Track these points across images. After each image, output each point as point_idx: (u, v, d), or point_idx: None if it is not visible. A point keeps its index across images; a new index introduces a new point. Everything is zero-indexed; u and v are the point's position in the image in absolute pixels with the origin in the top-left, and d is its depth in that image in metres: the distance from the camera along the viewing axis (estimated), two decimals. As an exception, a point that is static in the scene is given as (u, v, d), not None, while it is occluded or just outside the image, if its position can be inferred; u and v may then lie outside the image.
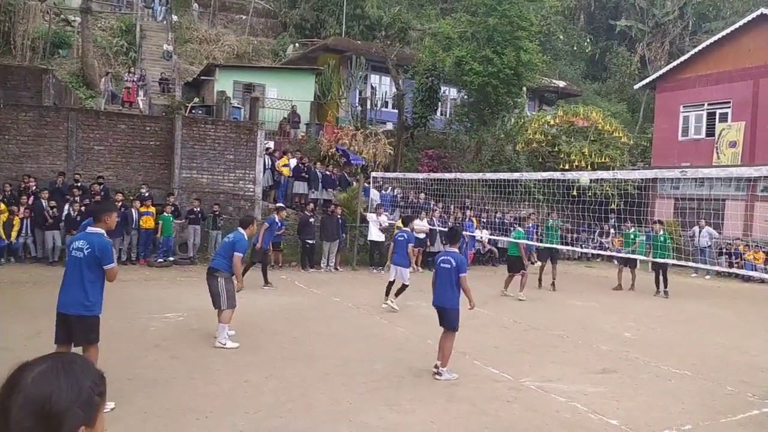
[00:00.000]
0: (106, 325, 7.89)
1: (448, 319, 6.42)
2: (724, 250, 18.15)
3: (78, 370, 1.30)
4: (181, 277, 12.60)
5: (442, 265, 6.52)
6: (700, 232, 17.96)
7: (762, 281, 16.21)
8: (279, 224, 12.74)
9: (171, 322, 8.37)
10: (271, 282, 11.83)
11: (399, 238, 10.55)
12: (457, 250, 6.71)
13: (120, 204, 13.54)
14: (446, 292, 6.43)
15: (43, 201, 13.13)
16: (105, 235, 5.10)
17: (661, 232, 13.15)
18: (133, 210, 13.74)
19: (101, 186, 14.22)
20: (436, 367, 6.44)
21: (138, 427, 4.69)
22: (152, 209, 14.05)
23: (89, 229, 5.16)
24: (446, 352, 6.36)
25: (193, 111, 19.08)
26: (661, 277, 13.45)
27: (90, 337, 5.07)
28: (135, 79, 20.85)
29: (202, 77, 22.47)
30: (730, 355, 8.21)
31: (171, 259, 14.10)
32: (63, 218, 13.04)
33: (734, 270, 13.51)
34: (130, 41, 24.87)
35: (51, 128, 14.75)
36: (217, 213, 14.69)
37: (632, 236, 14.54)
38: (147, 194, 14.41)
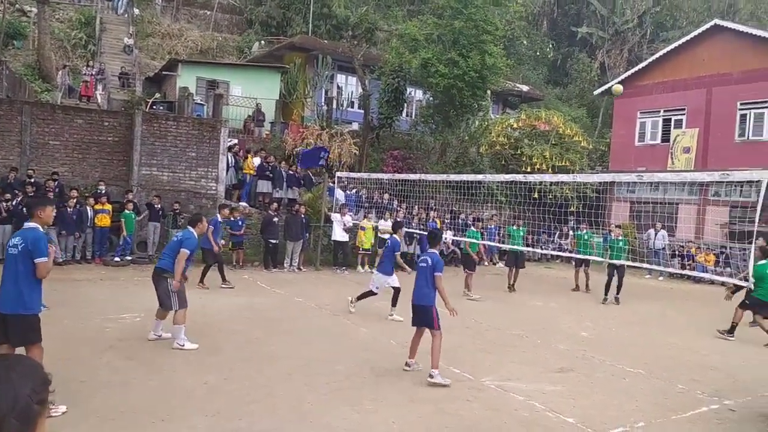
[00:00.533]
0: (59, 326, 7.67)
1: (425, 318, 6.45)
2: (676, 252, 18.78)
3: (15, 377, 1.22)
4: (138, 276, 12.29)
5: (420, 264, 6.70)
6: (656, 234, 18.54)
7: (712, 282, 16.81)
8: (222, 223, 12.61)
9: (127, 323, 8.17)
10: (229, 281, 11.67)
11: (387, 245, 10.29)
12: (437, 252, 6.77)
13: (75, 201, 13.16)
14: (422, 289, 6.52)
15: (-7, 196, 12.63)
16: (39, 228, 4.93)
17: (621, 237, 13.32)
18: (87, 207, 13.35)
19: (56, 182, 13.77)
20: (407, 364, 6.58)
21: (92, 431, 4.56)
22: (108, 207, 13.68)
23: (25, 224, 5.01)
24: (434, 353, 6.23)
25: (154, 107, 18.66)
26: (615, 282, 13.21)
27: (29, 336, 4.83)
28: (94, 73, 20.29)
29: (163, 72, 22.01)
30: (681, 355, 8.49)
31: (129, 258, 13.75)
32: (14, 214, 12.57)
33: (686, 272, 14.00)
34: (89, 34, 24.19)
35: (4, 122, 14.20)
36: (177, 211, 14.40)
37: (585, 237, 14.79)
38: (103, 191, 14.02)
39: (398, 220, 13.26)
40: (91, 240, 13.58)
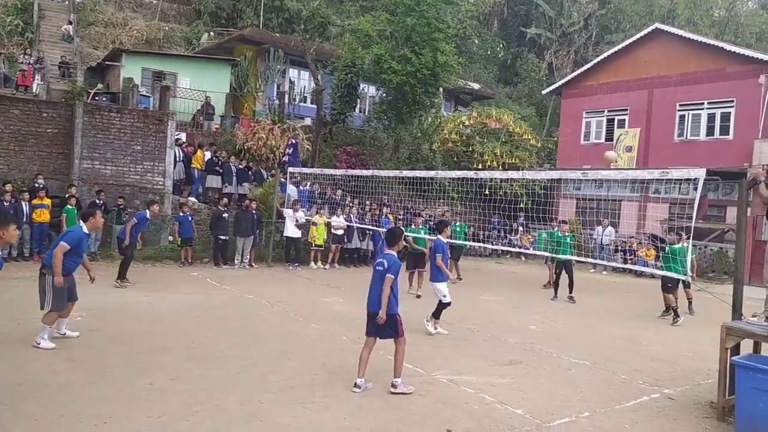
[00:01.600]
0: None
1: (388, 327, 5.98)
2: (619, 248, 19.51)
3: None
4: (79, 274, 11.79)
5: (376, 267, 6.13)
6: (603, 230, 19.26)
7: (653, 276, 17.53)
8: (148, 220, 11.64)
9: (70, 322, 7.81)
10: (128, 279, 10.95)
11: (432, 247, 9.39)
12: (394, 253, 6.22)
13: (9, 195, 12.51)
14: (378, 296, 6.00)
15: None
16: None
17: (568, 233, 13.36)
18: (23, 202, 12.71)
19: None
20: (356, 385, 5.85)
21: (27, 436, 4.35)
22: (48, 201, 13.07)
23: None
24: (398, 361, 5.93)
25: (96, 98, 17.94)
26: (565, 278, 13.66)
27: None
28: (31, 62, 19.32)
29: (107, 62, 21.18)
30: (624, 346, 8.81)
31: (70, 255, 13.17)
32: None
33: (629, 266, 14.53)
34: (26, 20, 23.01)
35: (-70, 111, 13.36)
36: (121, 207, 13.91)
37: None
38: (42, 185, 13.38)
39: (443, 218, 12.53)
40: (29, 236, 12.95)
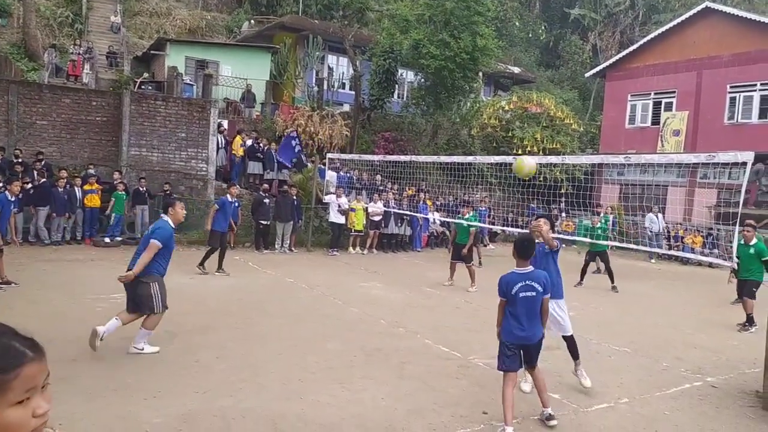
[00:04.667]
0: (49, 305, 7.68)
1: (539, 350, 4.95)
2: (664, 235, 19.01)
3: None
4: (128, 257, 12.25)
5: (522, 294, 4.75)
6: (657, 218, 18.41)
7: (699, 264, 17.05)
8: (234, 204, 11.67)
9: (119, 302, 8.12)
10: (224, 269, 11.09)
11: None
12: (531, 267, 4.87)
13: (65, 181, 13.08)
14: (535, 324, 4.82)
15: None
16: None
17: (598, 224, 13.01)
18: (76, 188, 13.28)
19: (42, 162, 13.65)
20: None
21: (83, 406, 4.60)
22: (98, 187, 13.60)
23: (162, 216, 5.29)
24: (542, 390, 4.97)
25: (143, 87, 18.47)
26: (602, 268, 13.22)
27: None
28: (81, 52, 19.99)
29: (152, 52, 21.72)
30: (667, 334, 8.64)
31: (119, 238, 13.72)
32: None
33: (675, 252, 14.09)
34: (75, 12, 23.76)
35: (-11, 101, 14.04)
36: (167, 192, 14.34)
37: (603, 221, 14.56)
38: (92, 172, 13.92)
39: (548, 211, 10.26)
40: (81, 221, 13.53)
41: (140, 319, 6.08)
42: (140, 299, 6.02)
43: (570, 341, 5.88)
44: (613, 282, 12.42)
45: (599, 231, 12.83)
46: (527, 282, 4.73)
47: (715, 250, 17.14)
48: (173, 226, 6.34)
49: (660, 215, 18.65)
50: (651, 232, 18.10)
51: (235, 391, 5.15)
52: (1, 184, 12.07)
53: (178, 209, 6.42)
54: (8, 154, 13.66)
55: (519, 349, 4.80)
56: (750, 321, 9.15)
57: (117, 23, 23.56)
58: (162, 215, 6.46)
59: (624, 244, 10.44)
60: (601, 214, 13.98)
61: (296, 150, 16.75)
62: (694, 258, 15.39)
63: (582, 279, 12.72)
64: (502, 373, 4.82)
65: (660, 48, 22.09)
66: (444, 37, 19.26)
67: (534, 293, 4.74)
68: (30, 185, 12.54)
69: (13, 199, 9.47)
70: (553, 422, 4.85)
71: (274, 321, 7.80)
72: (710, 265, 15.91)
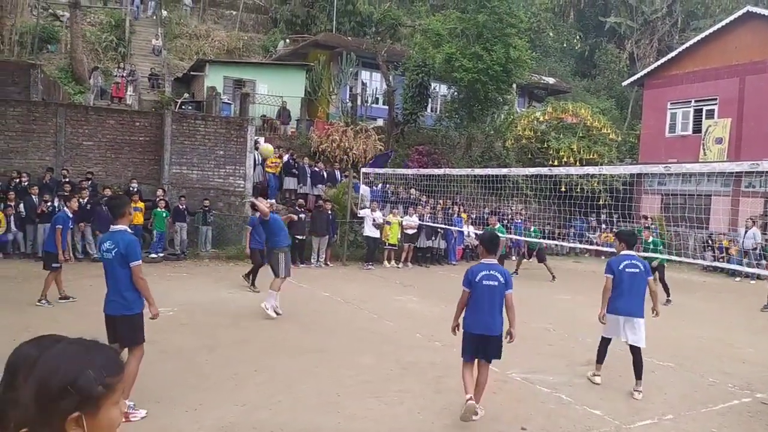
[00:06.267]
0: (93, 319, 7.91)
1: (498, 347, 5.20)
2: (707, 246, 18.40)
3: (86, 355, 1.31)
4: (170, 272, 12.59)
5: (486, 282, 5.06)
6: (745, 233, 16.18)
7: (746, 276, 16.42)
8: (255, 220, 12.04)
9: (161, 316, 8.36)
10: (255, 285, 11.08)
11: (630, 270, 6.09)
12: (495, 261, 5.28)
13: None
14: (494, 316, 5.10)
15: (33, 196, 13.06)
16: (129, 231, 5.17)
17: (651, 237, 12.40)
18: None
19: (89, 182, 14.17)
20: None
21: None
22: (141, 205, 14.02)
23: (112, 227, 5.15)
24: (480, 387, 5.16)
25: (183, 107, 19.04)
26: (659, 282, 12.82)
27: (137, 336, 5.08)
28: (124, 75, 20.77)
29: (191, 73, 22.41)
30: (713, 348, 8.36)
31: (161, 254, 14.08)
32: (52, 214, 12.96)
33: (719, 264, 13.52)
34: (119, 36, 24.73)
35: (39, 124, 14.68)
36: (207, 209, 14.68)
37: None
38: (135, 189, 14.36)
39: (623, 228, 8.23)
40: (125, 237, 13.92)
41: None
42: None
43: (638, 355, 6.05)
44: (668, 295, 12.08)
45: (652, 245, 12.03)
46: (491, 272, 5.08)
47: (763, 261, 16.42)
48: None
49: (753, 230, 15.89)
50: (752, 249, 15.83)
51: (273, 404, 5.21)
52: (58, 202, 12.63)
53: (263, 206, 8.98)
54: (56, 174, 14.23)
55: (479, 340, 5.08)
56: None
57: (158, 46, 24.41)
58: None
59: (673, 257, 10.09)
60: (643, 226, 13.56)
61: (387, 162, 18.12)
62: (741, 270, 14.79)
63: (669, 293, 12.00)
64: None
65: (700, 54, 21.57)
66: (476, 49, 19.26)
67: (496, 283, 5.05)
68: (86, 201, 13.06)
69: (71, 215, 9.83)
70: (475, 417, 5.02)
71: (310, 334, 7.87)
72: (758, 276, 15.31)
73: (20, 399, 1.26)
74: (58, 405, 1.25)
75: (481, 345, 5.10)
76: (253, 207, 9.69)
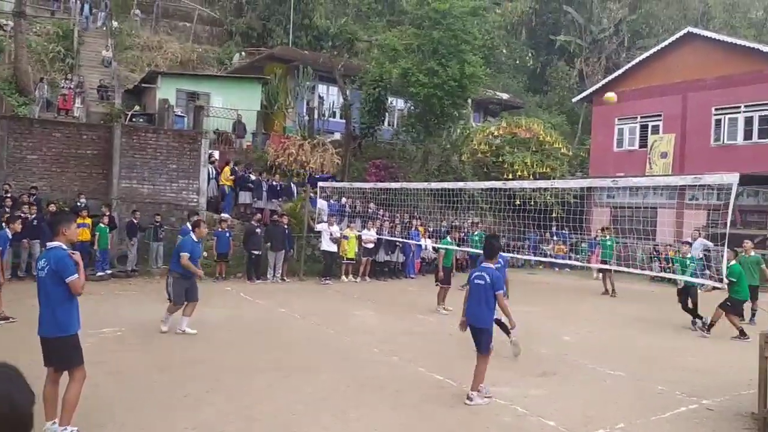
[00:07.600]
0: (37, 341, 7.54)
1: (482, 340, 6.03)
2: (653, 256, 19.04)
3: (21, 381, 1.31)
4: (118, 290, 12.17)
5: (475, 281, 6.08)
6: (692, 243, 15.49)
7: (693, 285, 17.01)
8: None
9: (108, 337, 8.07)
10: None
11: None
12: (492, 266, 6.16)
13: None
14: (481, 310, 6.01)
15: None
16: (63, 246, 4.89)
17: (688, 254, 11.96)
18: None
19: (33, 197, 13.59)
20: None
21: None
22: (88, 221, 13.51)
23: (48, 244, 4.99)
24: (478, 375, 6.00)
25: (134, 119, 18.55)
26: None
27: (73, 359, 4.84)
28: (72, 86, 20.10)
29: (143, 85, 21.88)
30: (661, 356, 8.61)
31: (109, 272, 13.59)
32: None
33: (667, 275, 14.01)
34: (67, 47, 23.96)
35: (-21, 136, 14.02)
36: (158, 224, 14.28)
37: (608, 243, 14.93)
38: (82, 205, 13.85)
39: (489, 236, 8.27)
40: (71, 255, 13.39)
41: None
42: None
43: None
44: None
45: (689, 262, 11.41)
46: (481, 273, 6.08)
47: (706, 271, 16.99)
48: (197, 240, 8.74)
49: (700, 240, 15.67)
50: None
51: (226, 425, 5.06)
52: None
53: (202, 228, 8.97)
54: (-2, 188, 13.60)
55: (472, 330, 6.14)
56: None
57: (108, 57, 23.75)
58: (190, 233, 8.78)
59: (621, 268, 10.42)
60: (597, 237, 14.09)
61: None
62: (683, 279, 15.32)
63: (697, 316, 10.82)
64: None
65: (645, 72, 22.49)
66: (432, 65, 19.54)
67: (483, 282, 5.97)
68: (33, 217, 12.52)
69: (11, 236, 9.45)
70: (470, 403, 5.86)
71: (266, 352, 7.71)
72: (701, 285, 15.87)
73: None
74: (24, 428, 1.25)
75: (474, 336, 6.10)
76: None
